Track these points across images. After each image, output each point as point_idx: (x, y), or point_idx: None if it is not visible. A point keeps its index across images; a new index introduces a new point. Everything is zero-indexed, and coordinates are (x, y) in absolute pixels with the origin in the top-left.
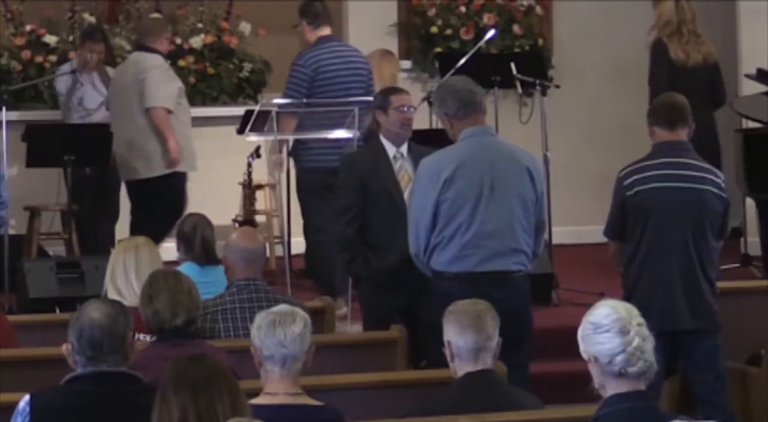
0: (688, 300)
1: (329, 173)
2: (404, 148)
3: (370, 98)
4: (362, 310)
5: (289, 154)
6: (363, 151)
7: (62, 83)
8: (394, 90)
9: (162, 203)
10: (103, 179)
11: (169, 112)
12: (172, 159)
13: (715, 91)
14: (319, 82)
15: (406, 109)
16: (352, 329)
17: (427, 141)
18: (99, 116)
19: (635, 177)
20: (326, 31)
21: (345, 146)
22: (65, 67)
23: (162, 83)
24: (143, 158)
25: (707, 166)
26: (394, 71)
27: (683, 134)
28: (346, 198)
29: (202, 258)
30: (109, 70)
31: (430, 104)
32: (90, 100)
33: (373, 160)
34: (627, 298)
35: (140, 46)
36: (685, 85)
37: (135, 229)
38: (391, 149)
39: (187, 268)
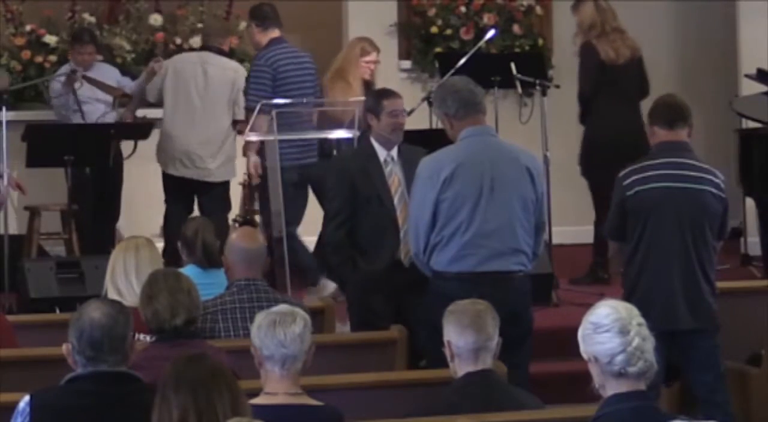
0: (687, 300)
1: (294, 170)
2: (395, 152)
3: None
4: (349, 314)
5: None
6: (353, 153)
7: (59, 84)
8: (387, 94)
9: (222, 204)
10: (103, 179)
11: None
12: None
13: (643, 84)
14: (278, 82)
15: (398, 114)
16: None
17: (426, 141)
18: (94, 116)
19: (635, 177)
20: (276, 33)
21: (308, 144)
22: (65, 68)
23: None
24: (220, 160)
25: (707, 166)
26: (359, 49)
27: (683, 134)
28: (336, 201)
29: (203, 261)
30: (171, 64)
31: (430, 104)
32: (88, 106)
33: (364, 163)
34: (627, 298)
35: (210, 47)
36: (619, 82)
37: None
38: (381, 152)
39: (189, 270)
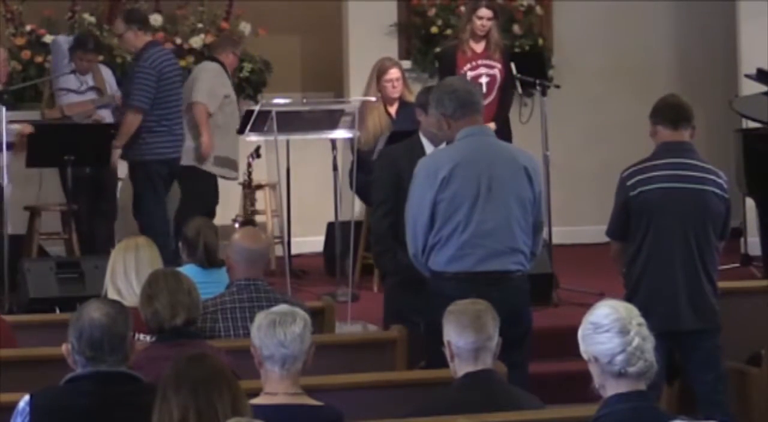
0: (690, 300)
1: (163, 163)
2: (443, 147)
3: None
4: (385, 305)
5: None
6: (401, 147)
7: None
8: None
9: (185, 193)
10: (99, 179)
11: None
12: (203, 153)
13: None
14: (162, 82)
15: None
16: (352, 328)
17: None
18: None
19: (638, 177)
20: (150, 35)
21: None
22: (64, 62)
23: (207, 82)
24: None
25: (710, 166)
26: (376, 71)
27: (686, 134)
28: (382, 192)
29: (204, 262)
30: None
31: None
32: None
33: (411, 157)
34: (629, 298)
35: (208, 57)
36: None
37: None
38: (429, 147)
39: (189, 269)
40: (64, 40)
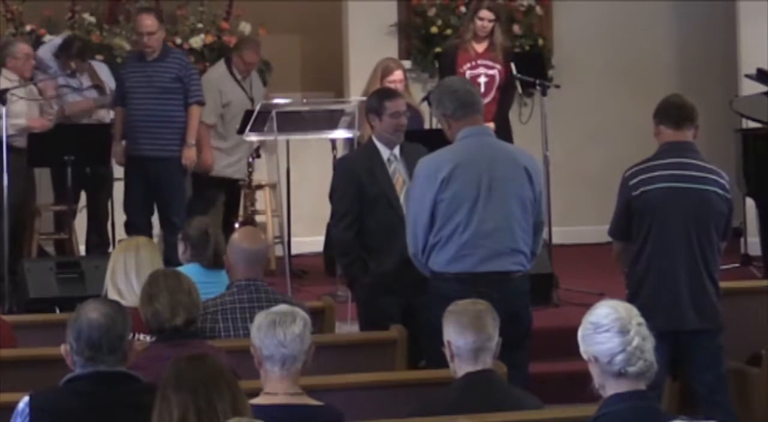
0: (692, 300)
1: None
2: (397, 150)
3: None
4: (358, 314)
5: None
6: (357, 154)
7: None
8: (389, 95)
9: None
10: (94, 178)
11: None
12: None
13: None
14: None
15: (400, 115)
16: (351, 328)
17: (425, 141)
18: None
19: (641, 177)
20: None
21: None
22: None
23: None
24: None
25: (712, 166)
26: (380, 71)
27: (689, 134)
28: (344, 201)
29: (211, 262)
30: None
31: (430, 104)
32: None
33: (369, 163)
34: (631, 298)
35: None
36: None
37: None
38: (384, 152)
39: (190, 269)
40: (42, 51)
